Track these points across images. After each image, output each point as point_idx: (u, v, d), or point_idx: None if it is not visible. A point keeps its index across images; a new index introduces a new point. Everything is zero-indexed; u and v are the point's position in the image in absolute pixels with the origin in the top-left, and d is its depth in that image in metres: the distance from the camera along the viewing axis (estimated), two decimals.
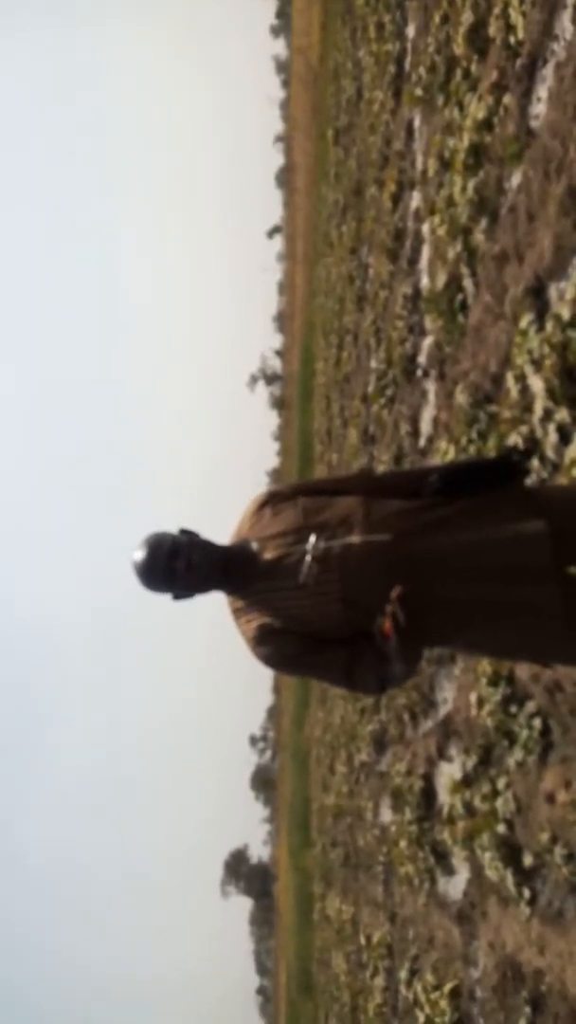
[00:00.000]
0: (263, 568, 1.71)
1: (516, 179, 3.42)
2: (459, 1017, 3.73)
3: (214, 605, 1.91)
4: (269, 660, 1.74)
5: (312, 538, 1.66)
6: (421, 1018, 4.33)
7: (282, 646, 1.70)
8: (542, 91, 3.20)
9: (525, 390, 3.11)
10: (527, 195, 3.22)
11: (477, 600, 1.62)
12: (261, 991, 66.13)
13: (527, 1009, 2.86)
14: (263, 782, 64.13)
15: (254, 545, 1.74)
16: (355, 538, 1.65)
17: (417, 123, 5.95)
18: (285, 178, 55.75)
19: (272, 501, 1.81)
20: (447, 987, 3.91)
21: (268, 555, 1.71)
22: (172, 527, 1.81)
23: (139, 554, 1.72)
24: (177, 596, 1.76)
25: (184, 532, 1.77)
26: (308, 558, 1.64)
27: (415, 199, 5.84)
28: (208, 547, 1.74)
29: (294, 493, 1.81)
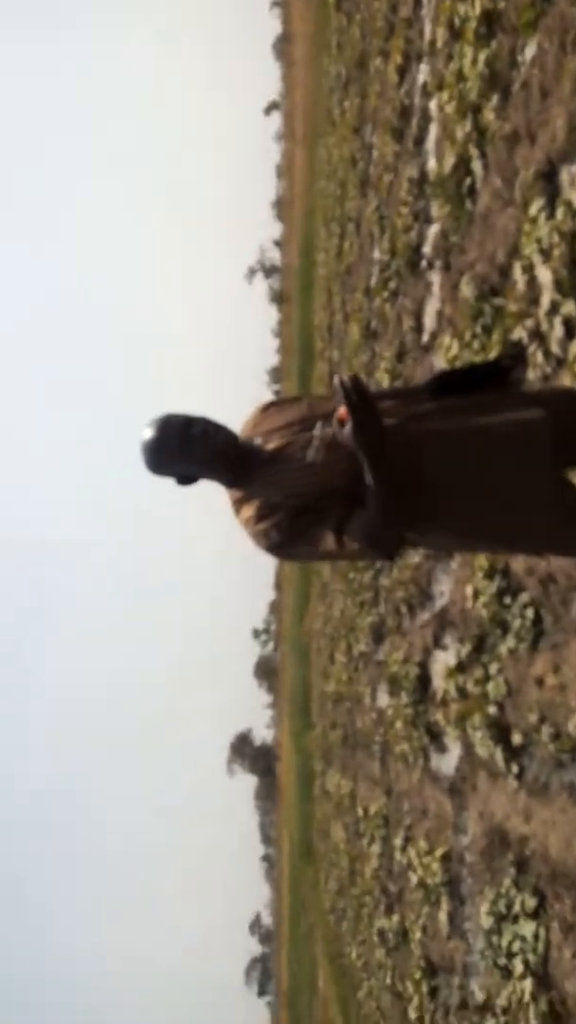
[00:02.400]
0: (269, 456, 1.73)
1: (530, 51, 3.21)
2: (449, 878, 4.06)
3: (216, 500, 1.93)
4: (269, 534, 1.71)
5: (320, 424, 1.69)
6: (414, 879, 4.71)
7: (283, 516, 1.69)
8: None
9: (532, 281, 3.04)
10: (541, 69, 3.03)
11: (478, 483, 1.65)
12: (266, 859, 71.41)
13: (512, 870, 3.11)
14: (266, 671, 66.74)
15: (259, 440, 1.76)
16: (338, 436, 1.66)
17: None
18: (283, 48, 51.89)
19: (275, 404, 1.85)
20: (438, 852, 4.23)
21: (274, 443, 1.74)
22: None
23: (150, 430, 1.70)
24: (183, 479, 1.75)
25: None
26: (317, 439, 1.67)
27: (422, 72, 5.49)
28: (221, 424, 1.74)
29: (298, 397, 1.85)
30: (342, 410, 1.54)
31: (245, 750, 66.10)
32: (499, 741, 3.26)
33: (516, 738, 3.14)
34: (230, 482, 1.76)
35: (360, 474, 1.61)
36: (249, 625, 72.64)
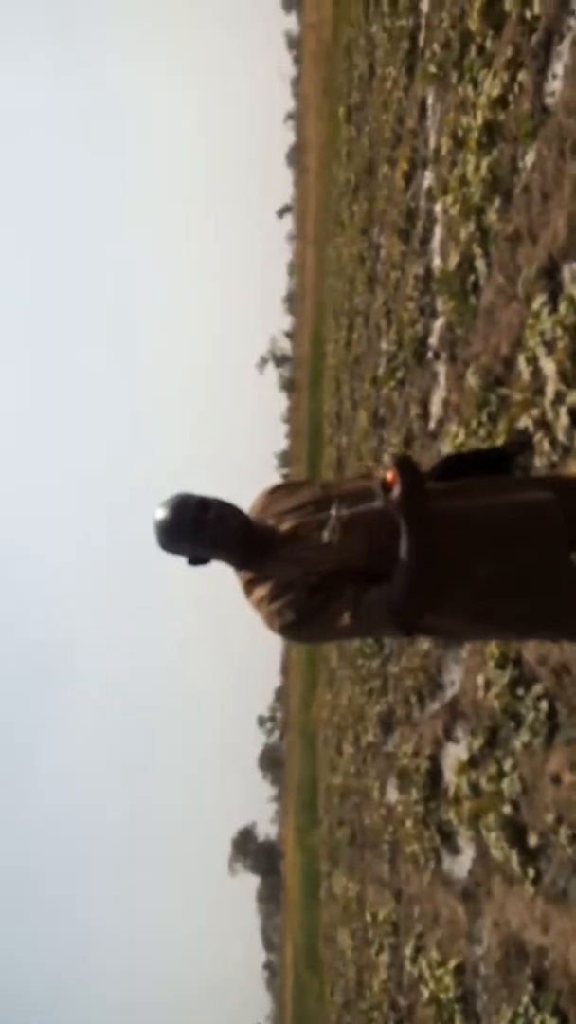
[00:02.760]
0: (283, 536, 1.71)
1: (530, 158, 3.38)
2: (463, 993, 3.79)
3: (223, 580, 1.90)
4: (283, 613, 1.69)
5: (335, 505, 1.69)
6: (425, 994, 4.40)
7: (298, 594, 1.66)
8: (558, 68, 3.15)
9: (537, 372, 3.09)
10: (541, 174, 3.18)
11: (493, 564, 1.63)
12: (268, 966, 67.23)
13: (530, 986, 2.89)
14: (271, 762, 64.73)
15: (270, 521, 1.75)
16: (378, 503, 1.66)
17: (430, 100, 5.87)
18: (296, 157, 55.16)
19: (283, 487, 1.85)
20: (451, 964, 3.96)
21: (287, 524, 1.73)
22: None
23: (163, 510, 1.69)
24: (194, 560, 1.74)
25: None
26: (334, 519, 1.66)
27: (428, 178, 5.78)
28: (235, 507, 1.74)
29: (308, 480, 1.87)
30: (390, 474, 1.56)
31: (248, 847, 63.38)
32: (514, 843, 3.10)
33: (532, 840, 2.99)
34: (242, 563, 1.74)
35: (378, 552, 1.61)
36: (254, 712, 71.05)
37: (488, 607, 1.66)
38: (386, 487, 1.56)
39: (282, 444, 60.89)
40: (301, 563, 1.67)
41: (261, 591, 1.71)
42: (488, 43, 4.05)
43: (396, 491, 1.54)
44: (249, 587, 1.75)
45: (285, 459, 55.99)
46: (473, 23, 4.20)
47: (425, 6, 6.35)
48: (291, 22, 60.73)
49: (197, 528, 1.67)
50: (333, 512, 1.67)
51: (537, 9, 3.28)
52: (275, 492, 1.83)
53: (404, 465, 1.55)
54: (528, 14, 3.36)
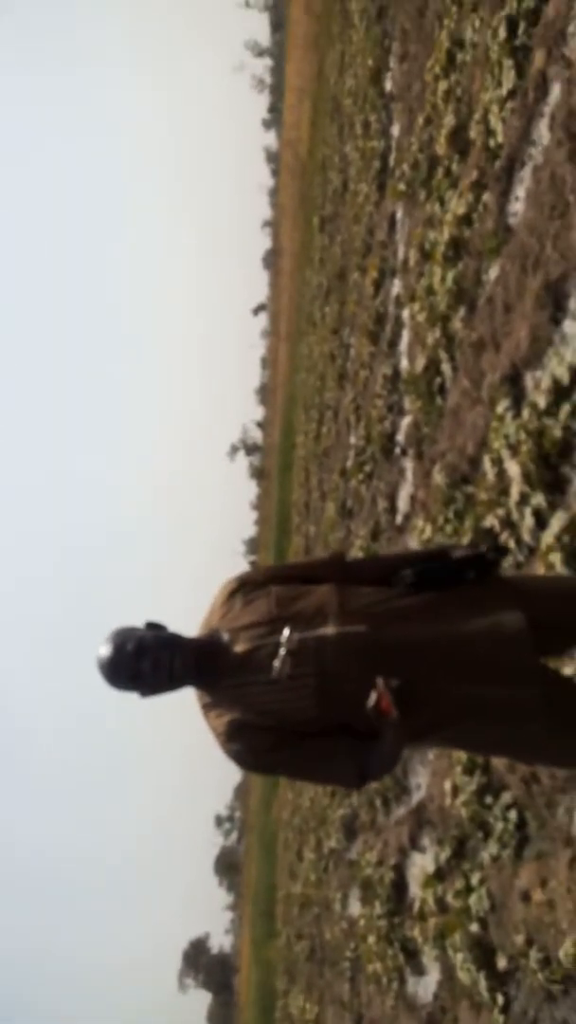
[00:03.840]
0: (234, 662, 1.64)
1: (494, 272, 3.55)
2: None
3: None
4: (240, 757, 1.65)
5: (286, 631, 1.60)
6: None
7: (253, 740, 1.62)
8: (520, 191, 3.35)
9: (502, 473, 3.14)
10: (504, 287, 3.33)
11: (455, 696, 1.56)
12: None
13: None
14: (227, 866, 61.51)
15: (225, 636, 1.67)
16: (330, 629, 1.60)
17: (400, 215, 6.21)
18: (272, 260, 57.84)
19: (243, 589, 1.74)
20: None
21: (239, 648, 1.64)
22: (139, 617, 1.76)
23: (104, 651, 1.64)
24: (144, 694, 1.68)
25: (151, 626, 1.69)
26: (282, 652, 1.57)
27: (396, 286, 6.04)
28: (176, 644, 1.66)
29: (266, 580, 1.75)
30: (385, 703, 1.50)
31: (200, 960, 59.34)
32: (482, 965, 2.92)
33: (501, 962, 2.81)
34: (196, 686, 1.70)
35: (332, 679, 1.57)
36: (212, 811, 68.07)
37: (449, 736, 1.63)
38: (380, 712, 1.51)
39: (251, 531, 61.08)
40: (252, 703, 1.62)
41: (216, 723, 1.67)
42: (454, 166, 4.32)
43: (386, 723, 1.50)
44: (206, 710, 1.69)
45: (253, 545, 55.97)
46: (440, 147, 4.50)
47: (396, 130, 6.82)
48: (270, 138, 65.07)
49: (134, 677, 1.63)
50: (283, 639, 1.59)
51: (500, 138, 3.52)
52: (234, 596, 1.74)
53: (394, 717, 1.50)
54: (492, 142, 3.60)
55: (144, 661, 1.61)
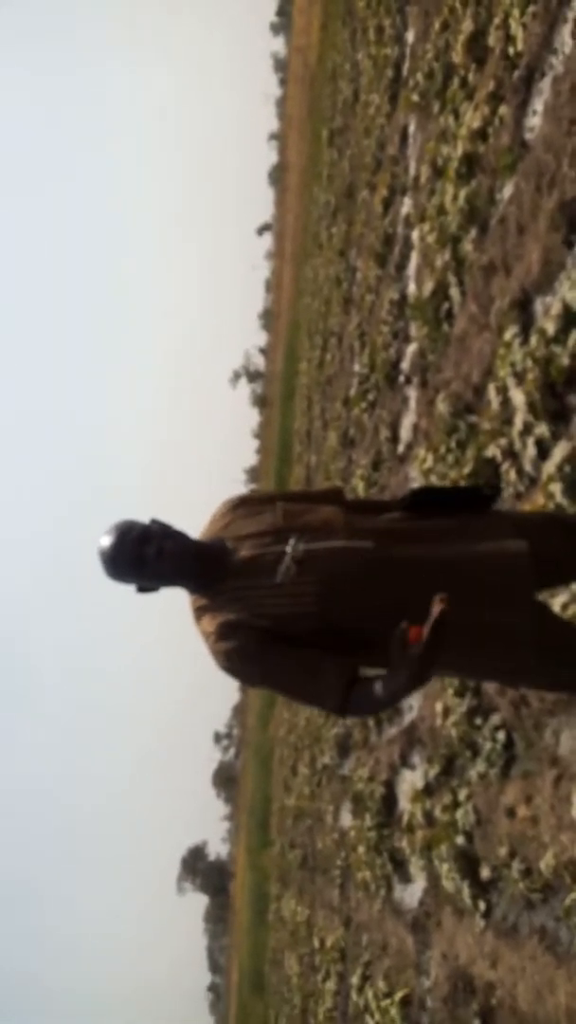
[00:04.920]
0: (237, 566, 1.63)
1: (508, 191, 3.42)
2: None
3: (179, 600, 1.85)
4: (229, 656, 1.60)
5: (292, 540, 1.60)
6: None
7: (245, 640, 1.58)
8: (538, 104, 3.20)
9: (506, 403, 3.10)
10: (518, 207, 3.22)
11: (466, 617, 1.53)
12: (212, 988, 66.07)
13: (476, 1022, 2.85)
14: (225, 780, 64.02)
15: (228, 543, 1.67)
16: (338, 542, 1.60)
17: (412, 129, 5.94)
18: (278, 176, 55.66)
19: (246, 503, 1.75)
20: (398, 995, 3.90)
21: (243, 553, 1.64)
22: (144, 518, 1.73)
23: (106, 539, 1.62)
24: (142, 588, 1.67)
25: (155, 522, 1.67)
26: (288, 557, 1.58)
27: (406, 205, 5.84)
28: (181, 537, 1.65)
29: (271, 498, 1.75)
30: (417, 631, 1.39)
31: (198, 866, 62.41)
32: (466, 875, 3.07)
33: (484, 872, 2.96)
34: (192, 589, 1.68)
35: (334, 595, 1.56)
36: (211, 728, 70.32)
37: (454, 661, 1.61)
38: (406, 640, 1.39)
39: (252, 459, 60.89)
40: (251, 603, 1.59)
41: (208, 625, 1.64)
42: (471, 76, 4.11)
43: (415, 649, 1.38)
44: (199, 614, 1.67)
45: (254, 474, 55.93)
46: (457, 56, 4.26)
47: (410, 36, 6.45)
48: (278, 44, 61.57)
49: (137, 562, 1.60)
50: (288, 549, 1.59)
51: (520, 46, 3.33)
52: (237, 508, 1.74)
53: (437, 636, 1.38)
54: (511, 50, 3.41)
55: (149, 547, 1.60)
